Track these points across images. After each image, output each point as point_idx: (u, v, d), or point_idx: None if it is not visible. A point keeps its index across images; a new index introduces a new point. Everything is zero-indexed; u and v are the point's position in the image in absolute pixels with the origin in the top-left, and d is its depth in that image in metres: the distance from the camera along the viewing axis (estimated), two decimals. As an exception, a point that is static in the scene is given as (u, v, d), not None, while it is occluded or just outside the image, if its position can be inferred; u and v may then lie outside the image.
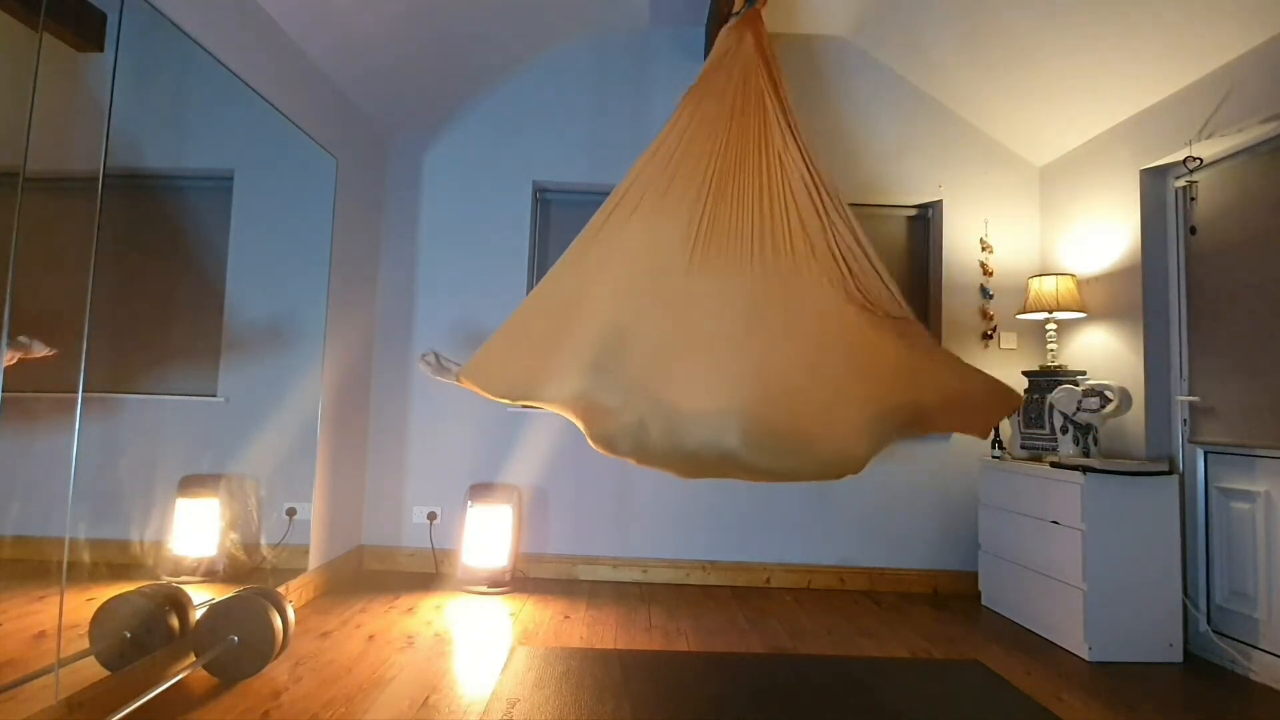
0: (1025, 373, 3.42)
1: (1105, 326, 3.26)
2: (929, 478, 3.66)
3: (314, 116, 2.97)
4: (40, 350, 1.70)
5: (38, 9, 1.68)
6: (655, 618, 3.01)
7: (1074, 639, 2.74)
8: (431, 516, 3.62)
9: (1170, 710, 2.26)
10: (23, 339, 1.64)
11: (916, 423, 2.21)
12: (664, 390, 2.11)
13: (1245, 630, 2.61)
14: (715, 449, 2.10)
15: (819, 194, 2.29)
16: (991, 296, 3.72)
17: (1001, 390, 2.30)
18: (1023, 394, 2.34)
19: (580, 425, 2.20)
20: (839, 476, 2.18)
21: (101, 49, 1.89)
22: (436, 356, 2.26)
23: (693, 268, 2.17)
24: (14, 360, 1.63)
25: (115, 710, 1.72)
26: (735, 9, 2.36)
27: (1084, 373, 3.29)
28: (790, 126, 2.31)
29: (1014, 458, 3.34)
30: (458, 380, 2.18)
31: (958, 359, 2.37)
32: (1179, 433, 2.94)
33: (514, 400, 2.20)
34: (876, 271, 2.31)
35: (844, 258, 2.27)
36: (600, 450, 2.18)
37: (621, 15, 3.68)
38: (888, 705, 2.19)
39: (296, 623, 2.46)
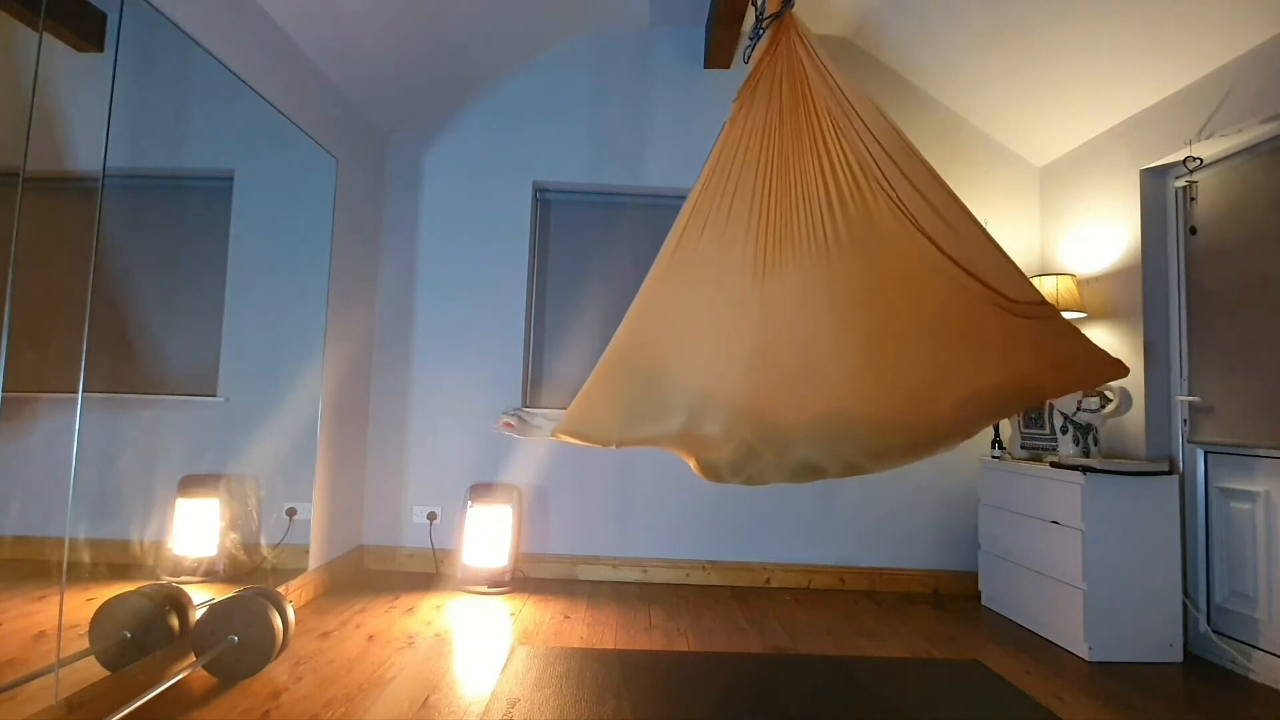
0: (1025, 373, 3.42)
1: (1105, 326, 3.26)
2: (929, 478, 3.66)
3: (314, 116, 2.97)
4: None
5: (38, 9, 1.68)
6: (655, 618, 3.01)
7: (1074, 639, 2.74)
8: (431, 516, 3.62)
9: (1170, 710, 2.26)
10: None
11: (1028, 396, 2.18)
12: (764, 408, 2.10)
13: (1245, 630, 2.61)
14: (833, 459, 2.10)
15: (885, 178, 2.19)
16: (991, 296, 3.72)
17: (1111, 361, 2.22)
18: (1127, 368, 2.23)
19: (687, 459, 2.19)
20: (949, 448, 2.20)
21: (101, 49, 1.88)
22: (520, 417, 2.25)
23: (765, 277, 2.14)
24: None
25: (115, 710, 1.72)
26: (771, 10, 2.32)
27: (1084, 373, 3.29)
28: (848, 114, 2.23)
29: (1014, 458, 3.33)
30: (552, 435, 2.18)
31: (1074, 330, 2.22)
32: (1179, 433, 2.94)
33: (618, 445, 2.19)
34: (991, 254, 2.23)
35: (939, 242, 2.17)
36: (709, 481, 2.18)
37: (621, 15, 3.68)
38: (888, 705, 2.19)
39: (296, 623, 2.46)
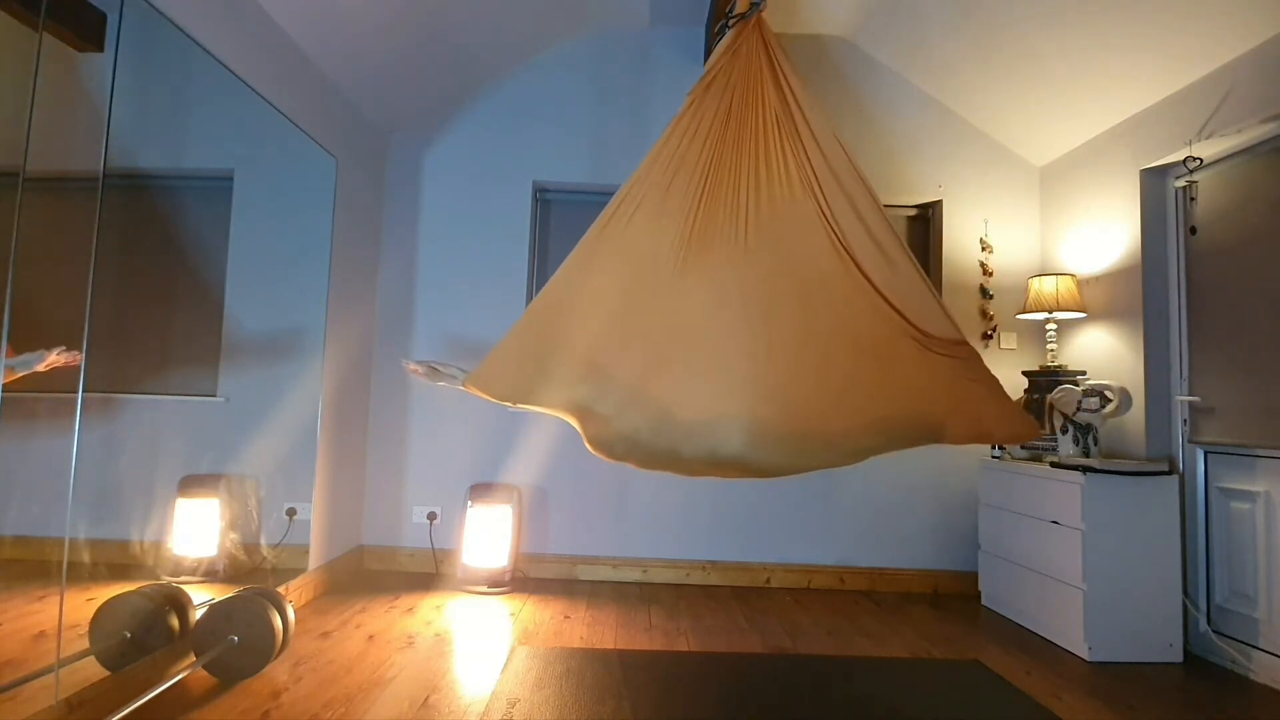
0: (1025, 373, 3.42)
1: (1105, 326, 3.26)
2: (929, 478, 3.66)
3: (314, 116, 2.97)
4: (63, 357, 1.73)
5: (38, 9, 1.68)
6: (655, 618, 3.01)
7: (1074, 639, 2.74)
8: (431, 516, 3.62)
9: (1170, 710, 2.26)
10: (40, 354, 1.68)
11: (925, 432, 2.16)
12: (660, 397, 2.10)
13: (1245, 630, 2.61)
14: (717, 454, 2.09)
15: (822, 195, 2.23)
16: (991, 296, 3.72)
17: (1022, 419, 2.23)
18: (1040, 428, 2.22)
19: (579, 430, 2.20)
20: (838, 466, 2.16)
21: (101, 49, 1.88)
22: (430, 366, 2.26)
23: (685, 269, 2.16)
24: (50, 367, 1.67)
25: (115, 710, 1.72)
26: (739, 10, 2.33)
27: (1084, 373, 3.29)
28: (798, 126, 2.26)
29: (1014, 458, 3.33)
30: (462, 385, 2.19)
31: (990, 378, 2.24)
32: (1179, 433, 2.94)
33: (515, 404, 2.20)
34: (920, 287, 2.22)
35: (865, 266, 2.18)
36: (598, 455, 2.18)
37: (621, 15, 3.68)
38: (888, 705, 2.19)
39: (296, 623, 2.46)
